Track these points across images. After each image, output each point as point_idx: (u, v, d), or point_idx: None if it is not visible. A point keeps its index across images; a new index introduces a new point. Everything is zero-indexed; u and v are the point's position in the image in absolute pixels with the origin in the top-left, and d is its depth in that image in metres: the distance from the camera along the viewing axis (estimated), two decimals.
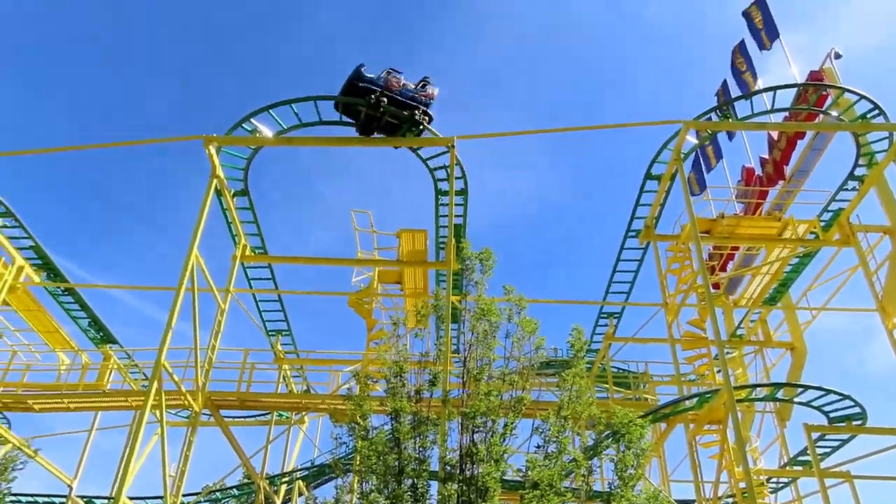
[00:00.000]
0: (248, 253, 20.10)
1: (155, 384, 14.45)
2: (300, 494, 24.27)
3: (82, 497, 21.10)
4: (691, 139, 18.73)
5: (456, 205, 18.36)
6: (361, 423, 10.72)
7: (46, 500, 21.61)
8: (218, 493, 23.26)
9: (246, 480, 26.83)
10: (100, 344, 23.84)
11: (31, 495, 21.17)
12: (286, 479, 23.05)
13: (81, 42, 71.00)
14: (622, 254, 21.66)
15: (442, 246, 21.14)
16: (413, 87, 17.03)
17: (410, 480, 9.74)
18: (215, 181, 17.49)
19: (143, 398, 14.56)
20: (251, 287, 21.78)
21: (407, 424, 10.32)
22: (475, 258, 12.28)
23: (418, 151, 18.18)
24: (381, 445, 9.97)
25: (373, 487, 9.93)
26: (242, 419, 23.78)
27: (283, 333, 23.93)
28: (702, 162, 23.93)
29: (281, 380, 22.54)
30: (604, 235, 76.60)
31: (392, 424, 10.51)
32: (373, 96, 16.14)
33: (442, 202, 19.54)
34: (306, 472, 22.89)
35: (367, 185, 74.45)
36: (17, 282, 19.61)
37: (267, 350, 23.58)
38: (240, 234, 19.82)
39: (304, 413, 22.69)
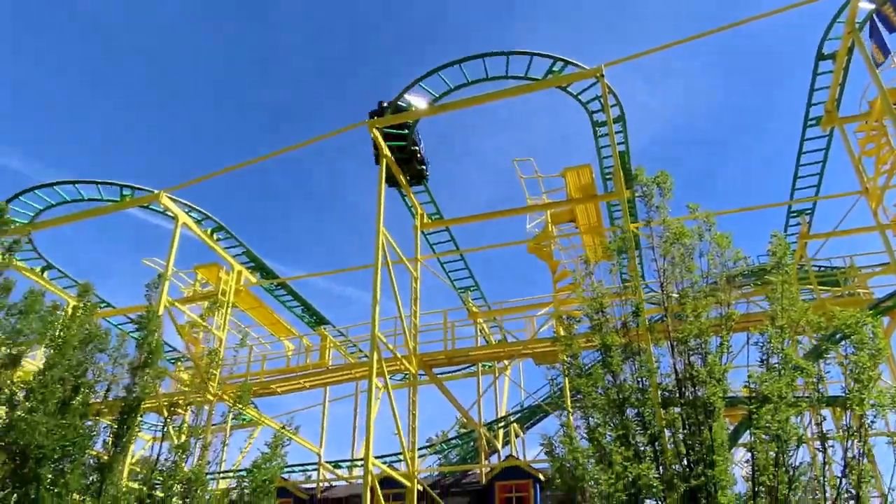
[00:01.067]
0: (426, 220, 21.24)
1: (375, 354, 15.96)
2: (517, 436, 25.71)
3: (329, 462, 23.89)
4: (865, 5, 16.81)
5: (616, 132, 18.05)
6: (575, 361, 11.17)
7: (302, 468, 24.70)
8: (443, 445, 25.16)
9: (463, 430, 28.77)
10: (314, 327, 26.47)
11: (291, 466, 24.30)
12: (502, 423, 24.39)
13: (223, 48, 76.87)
14: (804, 146, 20.06)
15: (608, 177, 20.90)
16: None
17: (635, 410, 10.08)
18: (385, 160, 18.58)
19: (366, 368, 16.22)
20: (434, 252, 22.95)
21: (619, 356, 10.62)
22: (652, 183, 12.12)
23: (568, 89, 18.03)
24: (600, 381, 10.37)
25: (598, 421, 10.39)
26: (451, 374, 25.34)
27: (472, 290, 25.08)
28: (881, 27, 21.17)
29: (478, 333, 23.79)
30: (775, 131, 70.51)
31: (603, 358, 10.85)
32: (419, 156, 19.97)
33: (600, 133, 19.27)
34: (518, 415, 24.05)
35: (519, 135, 74.07)
36: (239, 285, 22.27)
37: (459, 308, 24.85)
38: (415, 205, 20.95)
39: (507, 361, 23.82)
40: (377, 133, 18.40)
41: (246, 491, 10.32)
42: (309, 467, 24.41)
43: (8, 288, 15.08)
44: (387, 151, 18.75)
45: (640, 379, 10.40)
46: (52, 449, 10.01)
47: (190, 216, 20.15)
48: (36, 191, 18.68)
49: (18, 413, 10.53)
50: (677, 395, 10.23)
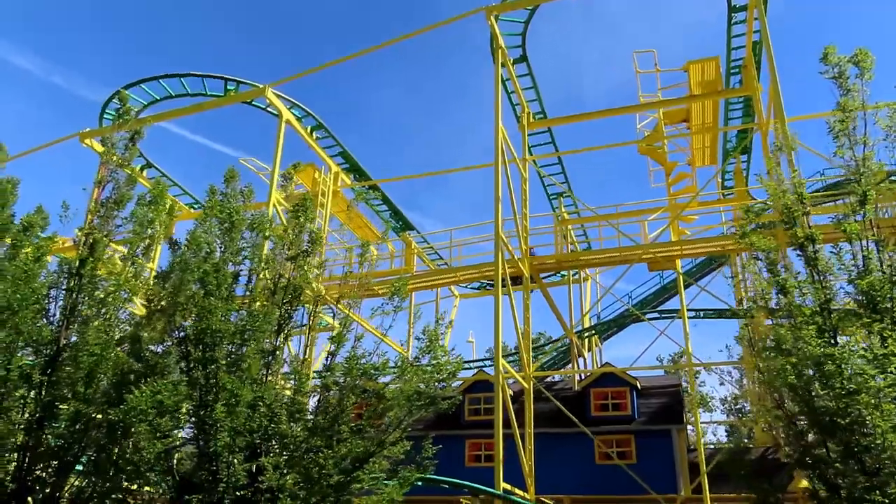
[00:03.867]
0: (531, 120, 20.17)
1: (500, 255, 15.42)
2: (597, 346, 25.69)
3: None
4: None
5: (754, 19, 16.50)
6: (773, 257, 10.22)
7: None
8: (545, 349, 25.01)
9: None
10: (400, 232, 26.03)
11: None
12: (592, 330, 24.06)
13: None
14: None
15: (734, 71, 19.39)
16: None
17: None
18: (500, 52, 17.41)
19: (450, 275, 15.90)
20: (531, 154, 21.95)
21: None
22: (847, 62, 10.85)
23: None
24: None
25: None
26: (553, 282, 24.87)
27: (565, 195, 24.20)
28: None
29: (564, 239, 23.08)
30: None
31: (807, 255, 9.86)
32: None
33: (735, 20, 17.65)
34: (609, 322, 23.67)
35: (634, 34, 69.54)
36: (336, 186, 21.74)
37: (548, 214, 23.96)
38: (522, 103, 19.85)
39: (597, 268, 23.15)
40: (493, 22, 17.14)
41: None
42: None
43: (133, 180, 14.74)
44: (502, 42, 17.54)
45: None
46: (230, 333, 9.79)
47: (292, 112, 19.43)
48: (142, 84, 18.11)
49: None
50: None
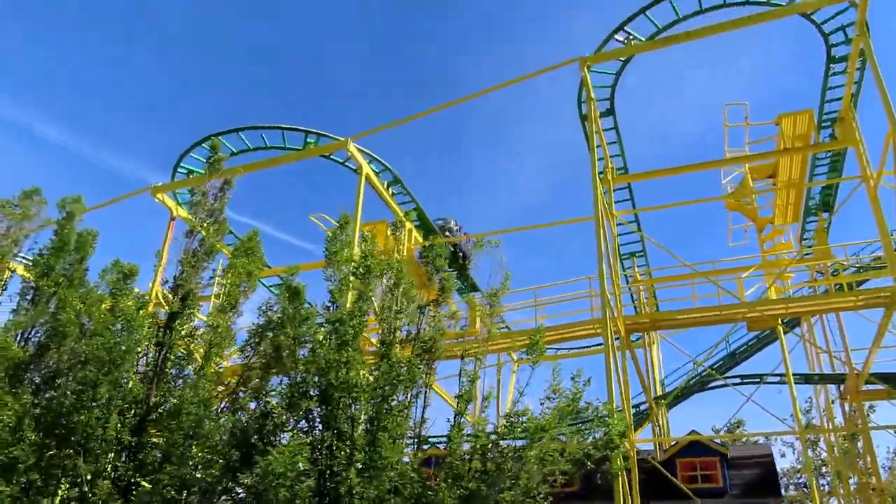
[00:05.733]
0: (614, 175, 19.56)
1: (606, 312, 14.50)
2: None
3: None
4: None
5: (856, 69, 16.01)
6: None
7: None
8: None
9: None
10: (463, 294, 25.13)
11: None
12: (671, 395, 22.71)
13: None
14: None
15: (825, 125, 18.78)
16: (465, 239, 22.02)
17: None
18: (592, 104, 16.96)
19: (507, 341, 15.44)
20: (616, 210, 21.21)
21: None
22: None
23: (812, 16, 15.99)
24: None
25: None
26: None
27: (638, 255, 23.41)
28: None
29: (639, 299, 22.06)
30: None
31: None
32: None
33: (833, 71, 17.16)
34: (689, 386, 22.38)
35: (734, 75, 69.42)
36: (410, 245, 21.06)
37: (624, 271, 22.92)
38: (606, 157, 19.29)
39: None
40: (587, 73, 16.77)
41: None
42: None
43: (224, 230, 14.19)
44: (593, 94, 17.11)
45: None
46: (371, 387, 8.89)
47: (371, 167, 18.99)
48: (221, 136, 17.80)
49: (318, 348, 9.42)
50: None
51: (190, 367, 12.44)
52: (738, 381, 24.45)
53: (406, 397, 9.36)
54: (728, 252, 38.26)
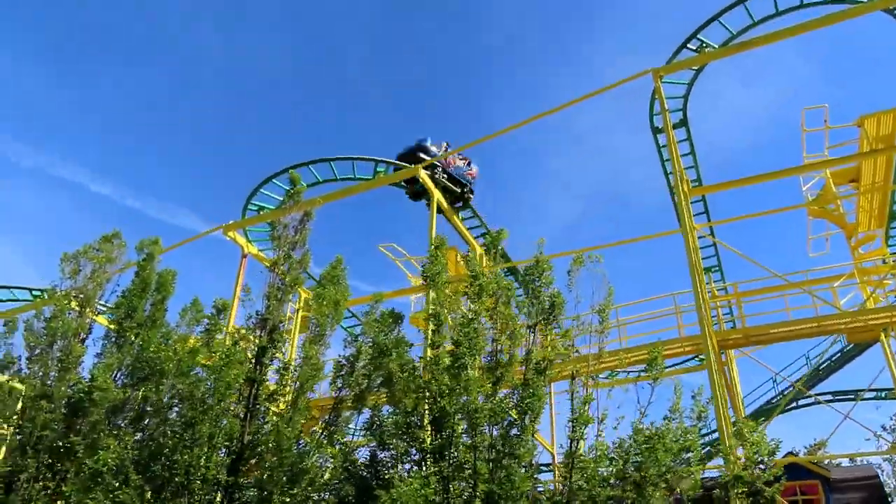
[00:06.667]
0: (690, 187, 18.94)
1: (707, 329, 13.83)
2: None
3: None
4: None
5: None
6: None
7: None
8: None
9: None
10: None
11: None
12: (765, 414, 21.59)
13: None
14: None
15: None
16: (462, 164, 19.43)
17: None
18: (666, 115, 16.50)
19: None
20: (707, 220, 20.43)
21: None
22: None
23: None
24: None
25: None
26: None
27: (714, 270, 22.58)
28: None
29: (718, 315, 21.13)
30: None
31: None
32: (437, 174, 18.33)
33: None
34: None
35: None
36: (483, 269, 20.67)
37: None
38: (679, 169, 18.70)
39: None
40: (659, 84, 16.33)
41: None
42: None
43: (306, 262, 14.01)
44: (666, 105, 16.64)
45: None
46: (493, 412, 8.41)
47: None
48: (291, 170, 17.80)
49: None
50: None
51: (282, 403, 12.17)
52: (829, 397, 23.28)
53: (533, 422, 8.84)
54: (808, 263, 36.84)
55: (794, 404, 23.43)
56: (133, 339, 14.10)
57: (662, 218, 76.59)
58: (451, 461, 8.40)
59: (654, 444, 8.27)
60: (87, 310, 14.52)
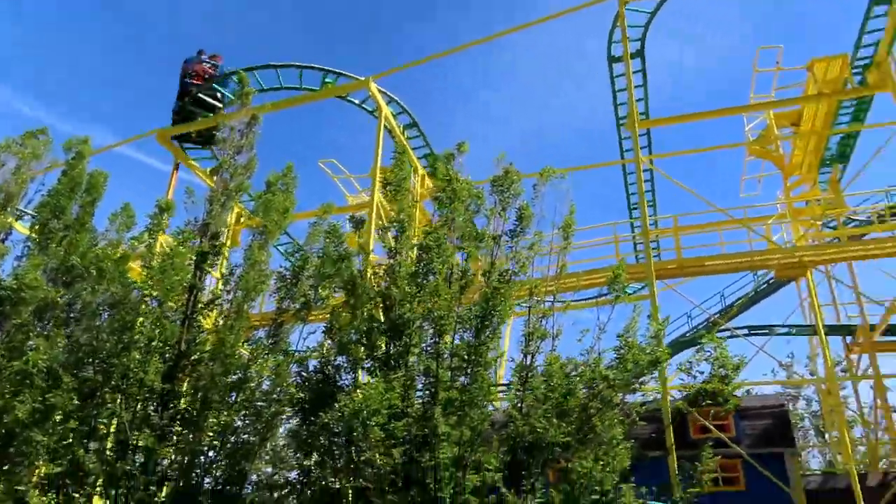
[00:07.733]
0: (638, 119, 19.03)
1: (650, 256, 14.12)
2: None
3: None
4: None
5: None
6: None
7: None
8: None
9: None
10: None
11: None
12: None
13: None
14: None
15: (857, 70, 18.41)
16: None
17: None
18: (626, 44, 16.34)
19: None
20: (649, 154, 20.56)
21: None
22: None
23: None
24: None
25: None
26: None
27: (649, 204, 23.02)
28: None
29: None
30: None
31: None
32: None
33: (874, 14, 16.69)
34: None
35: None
36: (424, 190, 20.35)
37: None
38: (632, 102, 18.72)
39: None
40: (623, 12, 16.07)
41: None
42: None
43: (252, 167, 13.38)
44: (627, 33, 16.45)
45: None
46: (461, 319, 8.27)
47: (389, 108, 18.12)
48: (232, 76, 16.75)
49: None
50: None
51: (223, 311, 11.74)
52: (745, 331, 24.53)
53: (499, 325, 8.79)
54: (741, 202, 38.12)
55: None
56: (60, 240, 13.22)
57: (578, 151, 77.34)
58: (408, 369, 8.32)
59: (625, 355, 8.45)
60: (10, 207, 13.46)
